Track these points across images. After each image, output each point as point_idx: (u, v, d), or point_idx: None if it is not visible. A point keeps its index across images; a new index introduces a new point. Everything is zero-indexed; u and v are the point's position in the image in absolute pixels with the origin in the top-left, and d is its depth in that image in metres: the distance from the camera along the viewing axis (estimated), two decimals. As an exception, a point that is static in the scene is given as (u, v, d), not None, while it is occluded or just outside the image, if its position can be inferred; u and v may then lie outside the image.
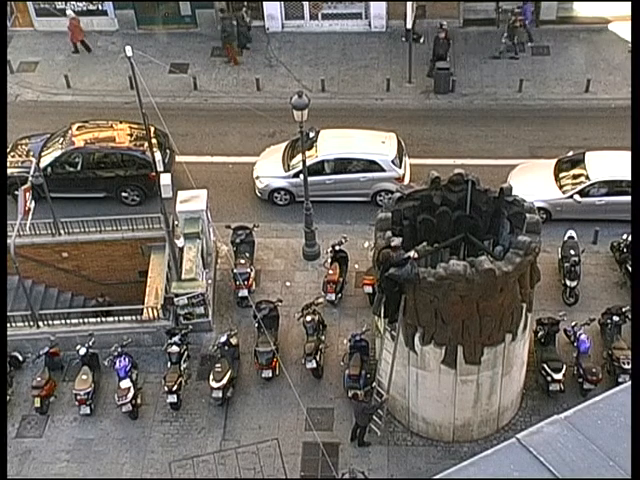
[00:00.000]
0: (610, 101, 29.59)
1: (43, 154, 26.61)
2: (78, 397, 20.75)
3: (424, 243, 17.89)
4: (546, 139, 28.32)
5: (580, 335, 20.80)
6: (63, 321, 22.39)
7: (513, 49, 31.42)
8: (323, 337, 21.77)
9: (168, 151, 26.64)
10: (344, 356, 21.17)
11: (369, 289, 22.30)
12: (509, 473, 8.80)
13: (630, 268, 22.25)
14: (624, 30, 30.74)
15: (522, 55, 31.47)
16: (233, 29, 31.61)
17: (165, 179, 20.96)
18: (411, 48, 30.17)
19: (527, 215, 17.86)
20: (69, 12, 32.17)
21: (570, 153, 26.10)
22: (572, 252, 22.67)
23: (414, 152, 27.17)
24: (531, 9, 31.95)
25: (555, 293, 22.92)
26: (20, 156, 26.92)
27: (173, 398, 20.79)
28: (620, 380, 19.97)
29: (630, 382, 9.61)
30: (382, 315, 18.28)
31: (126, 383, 20.71)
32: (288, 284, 23.75)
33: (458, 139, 28.54)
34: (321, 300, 22.32)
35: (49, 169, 26.06)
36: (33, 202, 21.81)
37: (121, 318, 22.29)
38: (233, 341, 21.49)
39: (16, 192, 22.57)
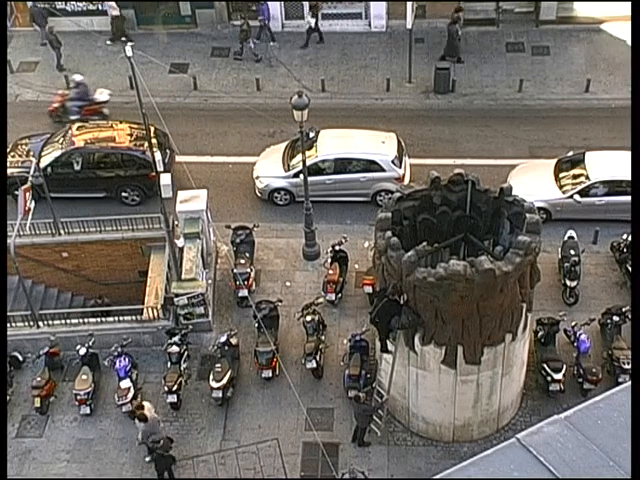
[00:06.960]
0: (610, 101, 29.58)
1: (43, 154, 26.59)
2: (78, 397, 20.76)
3: (424, 243, 17.87)
4: (546, 139, 28.30)
5: (580, 335, 20.80)
6: (63, 321, 22.39)
7: (240, 52, 31.82)
8: (323, 337, 21.76)
9: (168, 151, 26.62)
10: (344, 356, 21.18)
11: (369, 289, 22.30)
12: (509, 473, 8.80)
13: (630, 268, 22.25)
14: (624, 30, 30.72)
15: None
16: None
17: (165, 179, 20.96)
18: (411, 48, 30.16)
19: (527, 215, 17.84)
20: None
21: (570, 153, 26.09)
22: (572, 252, 22.68)
23: (414, 152, 27.16)
24: (268, 8, 32.19)
25: (555, 293, 22.92)
26: (20, 156, 26.91)
27: (173, 398, 20.79)
28: (620, 380, 19.96)
29: (630, 382, 9.62)
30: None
31: (126, 383, 20.73)
32: (288, 284, 23.74)
33: (458, 139, 28.52)
34: (321, 300, 22.31)
35: (49, 169, 26.04)
36: (33, 202, 21.80)
37: (121, 318, 22.29)
38: (233, 341, 21.49)
39: (16, 192, 22.57)
